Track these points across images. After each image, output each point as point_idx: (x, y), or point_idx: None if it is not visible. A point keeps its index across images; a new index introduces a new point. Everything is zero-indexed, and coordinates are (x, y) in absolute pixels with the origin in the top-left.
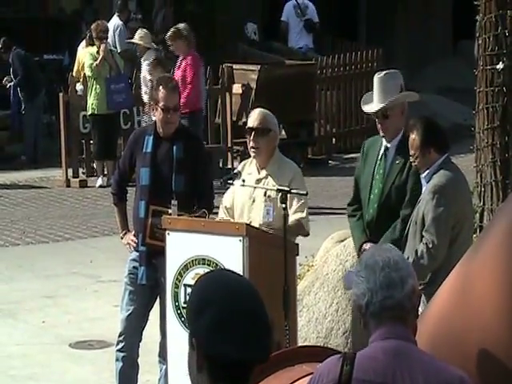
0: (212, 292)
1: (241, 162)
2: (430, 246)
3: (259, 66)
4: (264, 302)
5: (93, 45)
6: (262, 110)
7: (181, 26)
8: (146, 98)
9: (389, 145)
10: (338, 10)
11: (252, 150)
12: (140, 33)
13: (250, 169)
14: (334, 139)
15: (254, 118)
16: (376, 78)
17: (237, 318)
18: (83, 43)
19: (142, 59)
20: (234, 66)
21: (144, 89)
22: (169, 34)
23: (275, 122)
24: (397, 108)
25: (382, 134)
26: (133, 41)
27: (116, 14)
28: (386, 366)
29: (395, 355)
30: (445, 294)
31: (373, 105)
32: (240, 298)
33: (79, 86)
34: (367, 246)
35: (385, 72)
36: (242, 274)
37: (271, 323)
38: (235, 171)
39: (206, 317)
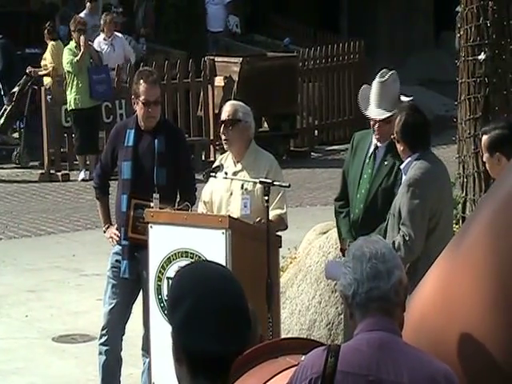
0: (188, 284)
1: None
2: (407, 238)
3: (241, 59)
4: (247, 294)
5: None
6: (234, 102)
7: None
8: None
9: (379, 144)
10: (320, 2)
11: (224, 141)
12: None
13: (226, 162)
14: (316, 131)
15: (224, 111)
16: (378, 83)
17: (211, 311)
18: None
19: None
20: (216, 59)
21: None
22: None
23: (248, 113)
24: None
25: (377, 137)
26: None
27: None
28: (371, 359)
29: (380, 347)
30: (427, 289)
31: (377, 110)
32: (216, 290)
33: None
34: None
35: (388, 75)
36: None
37: (253, 316)
38: (215, 165)
39: (180, 310)
